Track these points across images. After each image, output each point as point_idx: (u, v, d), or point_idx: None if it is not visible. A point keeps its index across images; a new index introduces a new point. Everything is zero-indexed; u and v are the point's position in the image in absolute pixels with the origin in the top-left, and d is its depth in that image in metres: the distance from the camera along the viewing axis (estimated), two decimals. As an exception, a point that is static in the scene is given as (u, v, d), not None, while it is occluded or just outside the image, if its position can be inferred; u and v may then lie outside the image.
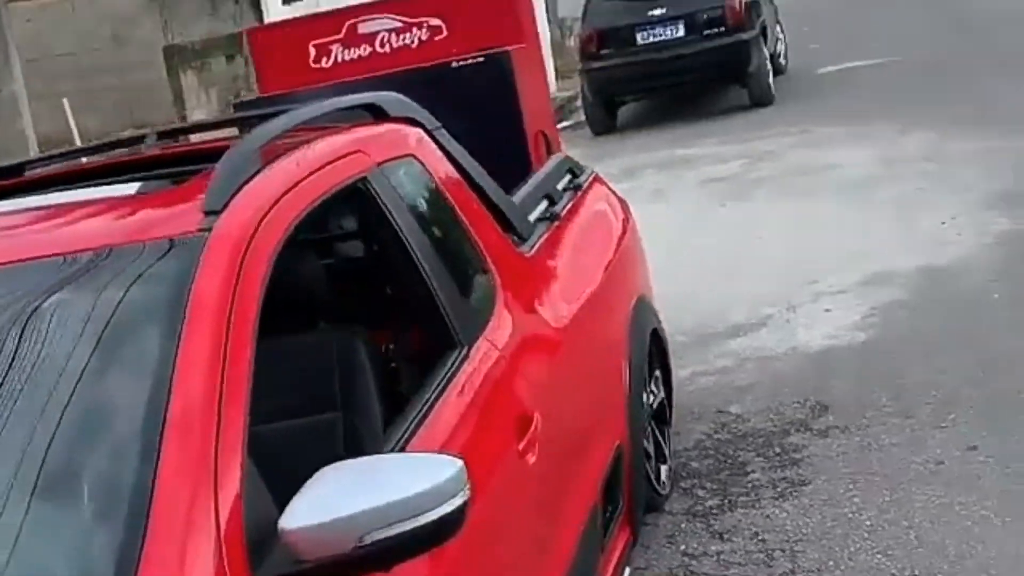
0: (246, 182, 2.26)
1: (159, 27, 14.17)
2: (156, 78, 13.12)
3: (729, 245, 6.83)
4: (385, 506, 1.84)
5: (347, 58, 4.90)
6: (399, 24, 4.88)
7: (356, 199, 2.65)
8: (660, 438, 3.99)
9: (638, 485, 3.64)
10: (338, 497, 1.86)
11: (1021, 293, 5.21)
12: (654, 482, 3.86)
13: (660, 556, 3.69)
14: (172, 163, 2.86)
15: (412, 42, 4.87)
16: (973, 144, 7.93)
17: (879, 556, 3.44)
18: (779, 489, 3.96)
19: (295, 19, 6.95)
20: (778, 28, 12.32)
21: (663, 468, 4.00)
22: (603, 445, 3.37)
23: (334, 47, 4.91)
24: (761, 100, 10.85)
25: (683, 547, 3.73)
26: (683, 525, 3.86)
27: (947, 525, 3.51)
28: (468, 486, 1.92)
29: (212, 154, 2.53)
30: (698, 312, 5.57)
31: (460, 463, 1.93)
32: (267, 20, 12.68)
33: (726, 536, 3.74)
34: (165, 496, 1.79)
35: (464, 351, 2.62)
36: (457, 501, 1.89)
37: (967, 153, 7.73)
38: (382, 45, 4.89)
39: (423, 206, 2.89)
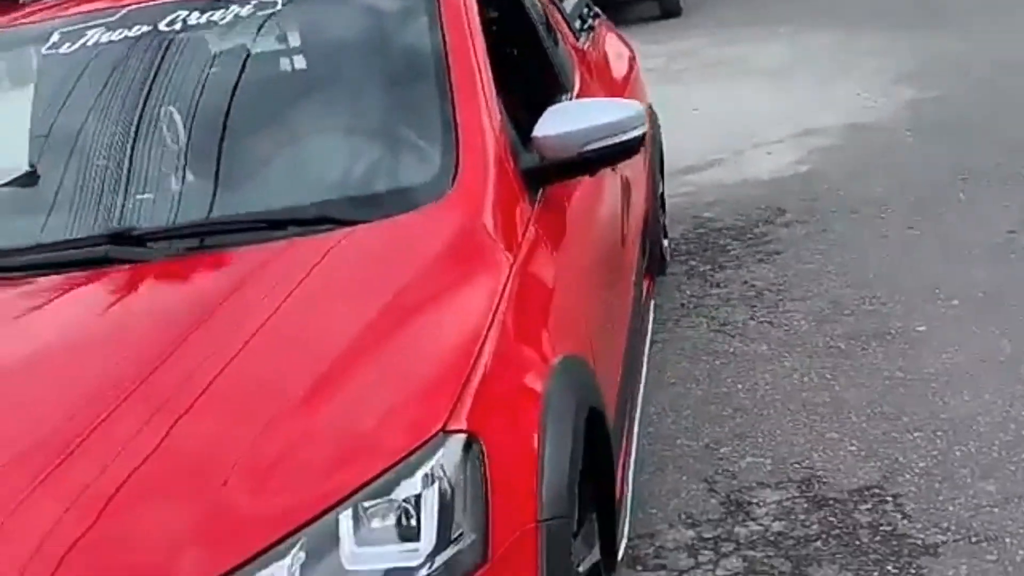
0: None
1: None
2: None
3: (667, 115, 7.99)
4: (599, 126, 2.92)
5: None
6: None
7: None
8: (661, 213, 5.16)
9: (656, 242, 4.80)
10: (568, 121, 2.92)
11: (930, 138, 6.54)
12: (663, 243, 5.03)
13: (671, 299, 4.86)
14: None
15: None
16: (874, 39, 9.28)
17: (847, 288, 4.68)
18: (757, 257, 5.18)
19: None
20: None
21: (664, 241, 5.16)
22: (640, 207, 4.50)
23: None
24: (671, 11, 12.07)
25: (688, 292, 4.92)
26: (684, 280, 5.05)
27: (898, 267, 4.77)
28: (646, 122, 3.01)
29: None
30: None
31: (642, 105, 3.03)
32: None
33: (722, 284, 4.95)
34: (464, 118, 2.77)
35: (569, 95, 3.70)
36: (641, 130, 2.97)
37: (871, 46, 9.08)
38: None
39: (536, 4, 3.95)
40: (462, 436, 1.98)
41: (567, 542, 2.19)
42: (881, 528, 3.10)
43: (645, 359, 4.03)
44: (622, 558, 2.91)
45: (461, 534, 1.92)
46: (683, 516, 3.31)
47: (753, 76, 8.77)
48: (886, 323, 4.31)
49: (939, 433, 3.52)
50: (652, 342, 4.34)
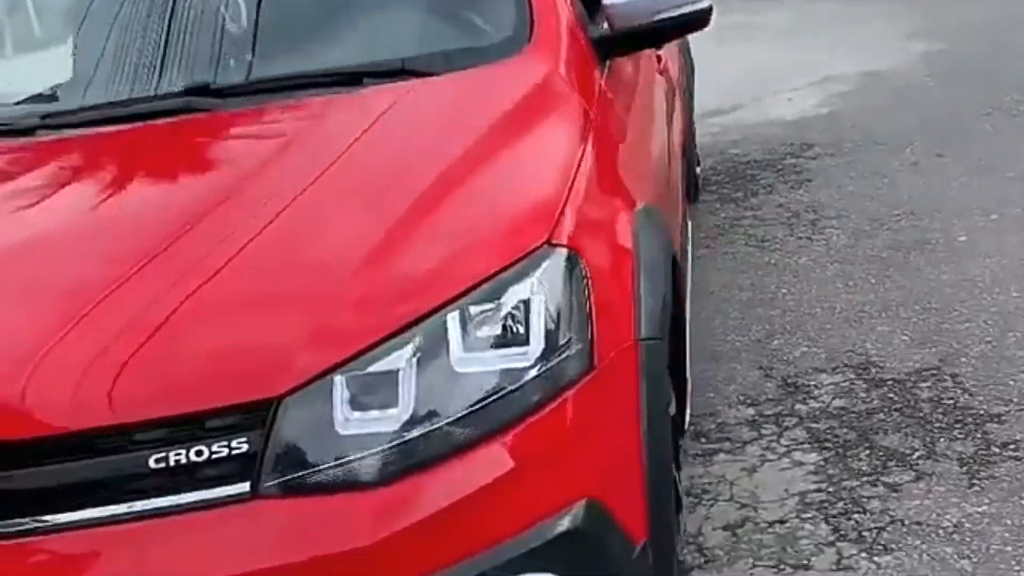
0: None
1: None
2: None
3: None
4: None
5: None
6: None
7: None
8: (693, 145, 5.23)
9: (691, 167, 4.86)
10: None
11: (948, 82, 6.61)
12: (695, 169, 5.09)
13: (706, 222, 4.92)
14: None
15: None
16: (878, 5, 9.36)
17: (883, 208, 4.74)
18: (789, 185, 5.24)
19: None
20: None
21: (697, 168, 5.22)
22: (681, 118, 4.55)
23: None
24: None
25: (723, 215, 4.99)
26: (718, 205, 5.11)
27: (932, 189, 4.84)
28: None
29: None
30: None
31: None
32: None
33: (756, 207, 5.01)
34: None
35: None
36: (709, 1, 3.02)
37: (876, 11, 9.15)
38: None
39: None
40: (565, 250, 2.04)
41: (663, 365, 2.25)
42: (943, 402, 3.16)
43: (689, 271, 4.08)
44: (686, 432, 2.98)
45: (569, 341, 1.97)
46: (742, 398, 3.37)
47: (764, 38, 8.84)
48: (926, 235, 4.38)
49: (990, 322, 3.58)
50: (694, 259, 4.39)
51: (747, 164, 5.66)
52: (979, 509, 2.67)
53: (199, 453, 1.77)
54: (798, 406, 3.27)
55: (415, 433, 1.83)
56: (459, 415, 1.87)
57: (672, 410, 2.68)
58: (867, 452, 2.98)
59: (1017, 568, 2.46)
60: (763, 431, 3.17)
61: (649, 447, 2.10)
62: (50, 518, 1.80)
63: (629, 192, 2.49)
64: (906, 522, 2.66)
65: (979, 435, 2.98)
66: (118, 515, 1.77)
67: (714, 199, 5.22)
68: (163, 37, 2.81)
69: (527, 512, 1.90)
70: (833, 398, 3.28)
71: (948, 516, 2.67)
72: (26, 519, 1.80)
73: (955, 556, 2.52)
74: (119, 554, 1.77)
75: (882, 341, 3.58)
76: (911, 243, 4.32)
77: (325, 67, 2.69)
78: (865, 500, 2.77)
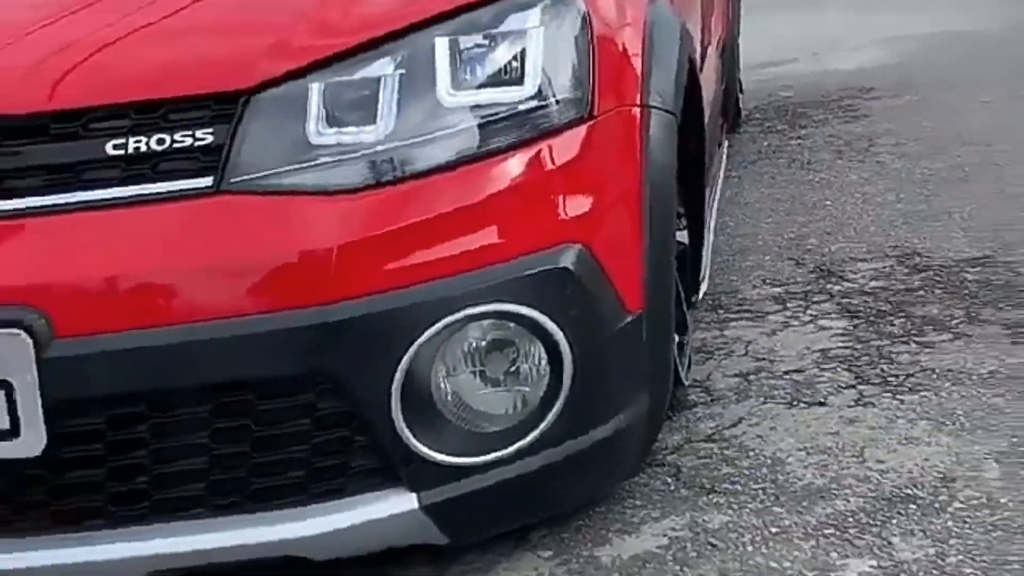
0: None
1: None
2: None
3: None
4: None
5: None
6: None
7: None
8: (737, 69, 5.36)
9: (732, 88, 5.00)
10: None
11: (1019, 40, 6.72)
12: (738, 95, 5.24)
13: (746, 149, 5.05)
14: None
15: None
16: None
17: (947, 136, 4.85)
18: (844, 119, 5.37)
19: None
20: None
21: (739, 94, 5.36)
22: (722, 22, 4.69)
23: None
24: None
25: (766, 144, 5.11)
26: (760, 135, 5.25)
27: (1002, 123, 4.95)
28: None
29: None
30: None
31: None
32: None
33: (804, 137, 5.15)
34: None
35: None
36: None
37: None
38: None
39: None
40: (564, -7, 2.16)
41: (673, 141, 2.36)
42: (992, 282, 3.25)
43: (718, 190, 4.20)
44: (700, 299, 3.09)
45: (567, 86, 2.10)
46: (768, 280, 3.47)
47: (829, 7, 9.00)
48: (990, 158, 4.48)
49: (1053, 224, 3.68)
50: (727, 176, 4.52)
51: (798, 104, 5.79)
52: (1020, 360, 2.76)
53: (160, 142, 1.90)
54: (830, 286, 3.37)
55: (390, 146, 1.96)
56: (437, 137, 1.99)
57: (683, 238, 2.81)
58: (902, 319, 3.07)
59: (1057, 405, 2.55)
60: (788, 304, 3.26)
61: (650, 216, 2.21)
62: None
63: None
64: (938, 371, 2.75)
65: (1025, 308, 3.07)
66: (72, 203, 1.90)
67: (757, 131, 5.34)
68: None
69: (507, 245, 2.01)
70: (870, 280, 3.37)
71: (985, 365, 2.75)
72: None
73: (988, 395, 2.61)
74: (66, 241, 1.90)
75: (932, 238, 3.67)
76: (974, 165, 4.42)
77: None
78: (894, 355, 2.86)
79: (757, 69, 6.62)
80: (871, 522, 2.17)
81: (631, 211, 2.20)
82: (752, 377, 2.82)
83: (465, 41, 2.06)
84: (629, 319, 2.17)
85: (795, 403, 2.67)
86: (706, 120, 3.05)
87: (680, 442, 2.54)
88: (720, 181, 4.30)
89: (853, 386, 2.72)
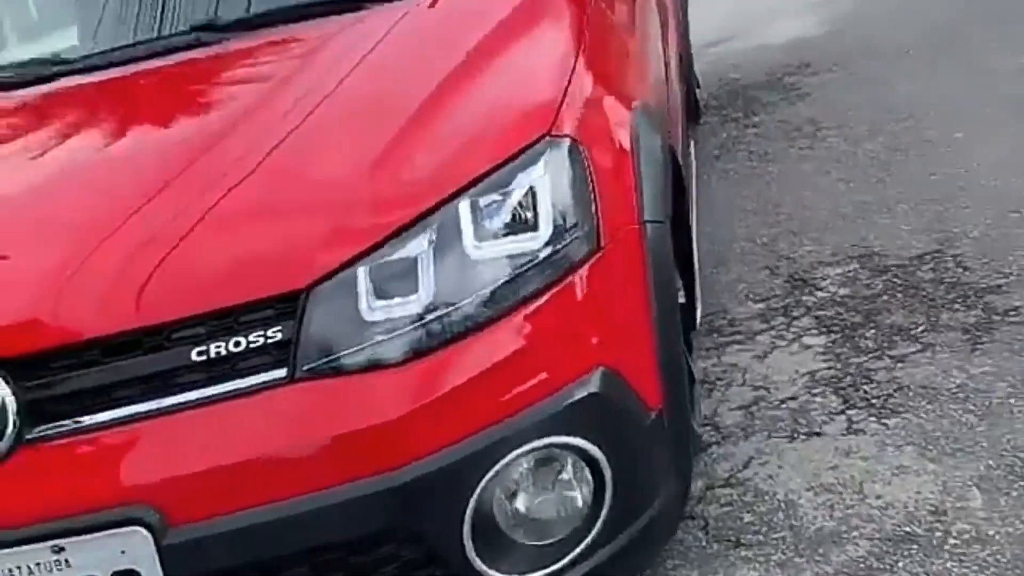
0: None
1: None
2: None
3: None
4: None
5: None
6: None
7: None
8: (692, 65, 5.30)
9: (691, 88, 4.95)
10: None
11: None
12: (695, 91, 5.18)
13: (708, 143, 5.01)
14: None
15: None
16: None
17: (882, 114, 4.81)
18: (790, 101, 5.32)
19: None
20: None
21: (697, 90, 5.31)
22: (676, 33, 4.62)
23: None
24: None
25: (725, 135, 5.09)
26: (720, 126, 5.22)
27: (928, 92, 4.92)
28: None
29: None
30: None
31: None
32: None
33: (758, 123, 5.12)
34: None
35: None
36: None
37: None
38: None
39: None
40: (567, 140, 2.16)
41: (667, 246, 2.36)
42: (944, 280, 3.26)
43: (693, 188, 4.17)
44: (699, 327, 3.08)
45: (576, 224, 2.09)
46: (751, 295, 3.47)
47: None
48: (923, 135, 4.46)
49: (989, 207, 3.67)
50: (695, 176, 4.48)
51: (746, 87, 5.74)
52: (982, 370, 2.78)
53: (236, 344, 1.89)
54: (805, 297, 3.37)
55: (435, 315, 1.95)
56: (475, 297, 1.99)
57: (681, 297, 2.79)
58: (872, 331, 3.08)
59: (1020, 416, 2.56)
60: (773, 322, 3.27)
61: (658, 319, 2.23)
62: (97, 417, 1.92)
63: (627, 91, 2.59)
64: (912, 387, 2.77)
65: (980, 306, 3.08)
66: (166, 407, 1.90)
67: (716, 121, 5.31)
68: None
69: (546, 383, 2.02)
70: (839, 288, 3.38)
71: (952, 378, 2.77)
72: (68, 421, 1.92)
73: (960, 411, 2.62)
74: (167, 442, 1.90)
75: (885, 233, 3.67)
76: (909, 143, 4.40)
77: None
78: (872, 372, 2.88)
79: (705, 49, 6.54)
80: (881, 567, 2.20)
81: (642, 321, 2.22)
82: (754, 409, 2.84)
83: (484, 200, 2.05)
84: (652, 416, 2.18)
85: (795, 436, 2.69)
86: (679, 148, 3.00)
87: (703, 489, 2.56)
88: (695, 182, 4.27)
89: (842, 411, 2.75)
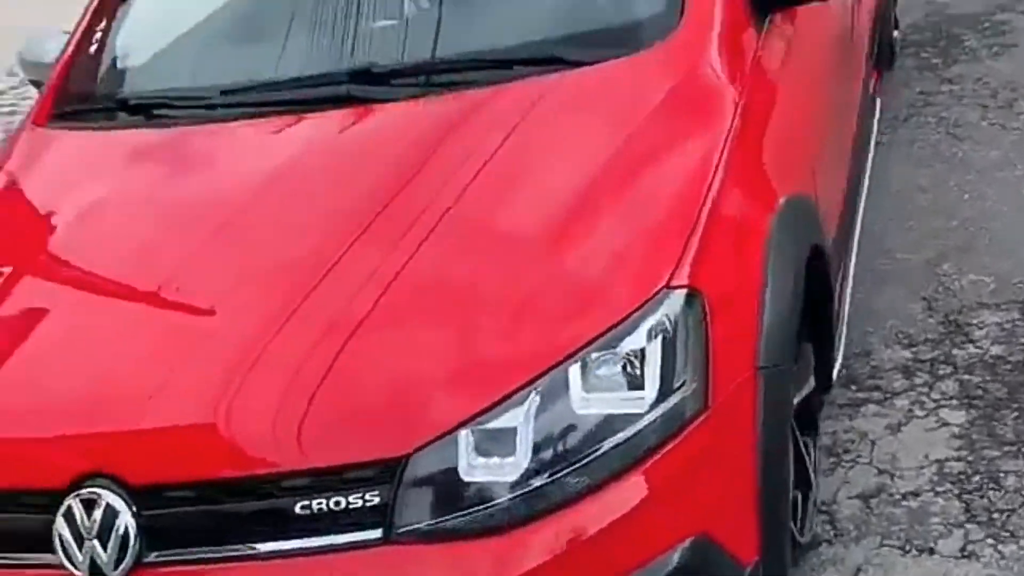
0: None
1: None
2: None
3: None
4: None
5: None
6: None
7: None
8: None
9: (886, 35, 4.69)
10: None
11: None
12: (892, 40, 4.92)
13: (898, 95, 4.79)
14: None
15: None
16: None
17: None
18: (993, 51, 5.01)
19: None
20: None
21: (895, 32, 5.02)
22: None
23: None
24: None
25: (918, 89, 4.85)
26: (914, 75, 4.97)
27: None
28: None
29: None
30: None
31: None
32: None
33: (954, 80, 4.85)
34: None
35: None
36: None
37: None
38: None
39: None
40: (684, 291, 2.14)
41: (785, 387, 2.34)
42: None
43: (869, 161, 4.04)
44: (837, 377, 3.05)
45: (683, 384, 2.09)
46: (900, 335, 3.40)
47: None
48: None
49: None
50: (877, 143, 4.32)
51: (951, 19, 5.46)
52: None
53: (337, 503, 2.01)
54: (956, 351, 3.29)
55: (534, 483, 2.01)
56: (575, 463, 2.03)
57: (809, 385, 2.76)
58: (1015, 415, 3.01)
59: None
60: (915, 380, 3.21)
61: (765, 474, 2.23)
62: (206, 551, 2.06)
63: (772, 189, 2.53)
64: (1038, 506, 2.72)
65: None
66: (262, 552, 2.03)
67: (912, 66, 5.05)
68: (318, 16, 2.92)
69: (638, 554, 2.07)
70: (992, 344, 3.28)
71: (1084, 503, 2.71)
72: (181, 550, 2.06)
73: (1082, 553, 2.58)
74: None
75: (1060, 270, 3.52)
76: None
77: (472, 52, 2.77)
78: (1002, 476, 2.82)
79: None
80: None
81: (748, 480, 2.23)
82: (873, 501, 2.83)
83: (593, 359, 2.06)
84: (747, 572, 2.22)
85: (908, 547, 2.69)
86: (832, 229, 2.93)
87: (808, 600, 2.61)
88: (871, 151, 4.13)
89: (962, 524, 2.71)
